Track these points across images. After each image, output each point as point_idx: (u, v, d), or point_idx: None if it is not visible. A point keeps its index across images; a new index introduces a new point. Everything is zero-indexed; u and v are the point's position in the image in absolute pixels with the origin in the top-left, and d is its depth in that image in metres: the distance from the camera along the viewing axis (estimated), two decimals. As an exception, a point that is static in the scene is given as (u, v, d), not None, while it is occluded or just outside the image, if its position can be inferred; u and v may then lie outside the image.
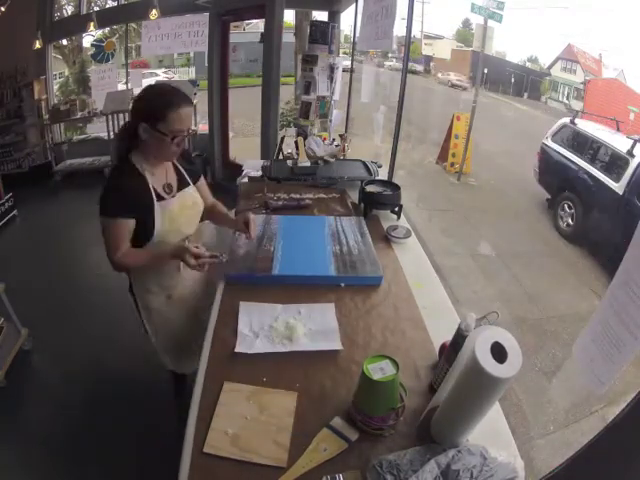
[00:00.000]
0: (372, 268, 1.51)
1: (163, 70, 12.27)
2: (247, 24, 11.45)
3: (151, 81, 6.90)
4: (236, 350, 1.14)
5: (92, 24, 5.42)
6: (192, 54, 10.07)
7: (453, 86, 12.89)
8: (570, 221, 4.95)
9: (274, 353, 1.14)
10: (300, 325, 1.22)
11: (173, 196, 1.46)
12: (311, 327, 1.24)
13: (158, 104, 1.31)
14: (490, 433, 0.94)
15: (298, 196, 2.14)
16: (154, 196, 1.39)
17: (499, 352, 0.75)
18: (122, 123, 5.67)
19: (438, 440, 0.90)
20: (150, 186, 1.39)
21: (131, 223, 1.37)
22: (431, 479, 0.77)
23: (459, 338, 0.97)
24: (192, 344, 1.62)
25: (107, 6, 6.74)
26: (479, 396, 0.79)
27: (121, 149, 1.39)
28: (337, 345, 1.17)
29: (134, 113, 1.36)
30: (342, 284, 1.45)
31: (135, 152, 1.38)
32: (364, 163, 2.54)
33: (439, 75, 13.82)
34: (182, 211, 1.49)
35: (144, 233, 1.40)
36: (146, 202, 1.38)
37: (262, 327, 1.23)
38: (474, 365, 0.75)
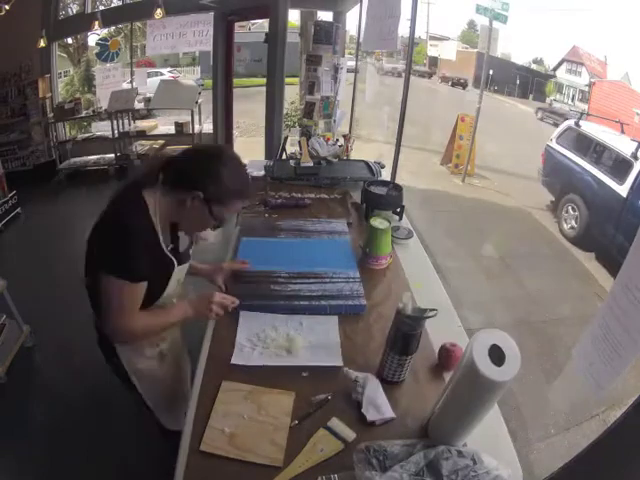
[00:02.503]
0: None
1: (168, 69, 12.30)
2: (252, 24, 11.49)
3: (156, 80, 6.91)
4: (232, 362, 1.12)
5: (97, 23, 5.43)
6: (197, 53, 10.12)
7: (454, 85, 12.92)
8: (574, 223, 4.93)
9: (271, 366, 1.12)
10: (300, 338, 1.20)
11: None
12: (311, 340, 1.20)
13: (232, 188, 1.14)
14: (489, 437, 0.93)
15: (299, 196, 2.14)
16: (172, 258, 1.21)
17: (498, 355, 0.75)
18: (124, 123, 5.75)
19: (435, 442, 0.90)
20: (162, 244, 1.17)
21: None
22: (414, 469, 0.77)
23: (400, 320, 0.98)
24: (185, 394, 1.45)
25: (112, 5, 6.76)
26: (476, 399, 0.78)
27: (146, 179, 1.15)
28: (338, 361, 1.13)
29: (198, 175, 1.11)
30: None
31: (154, 196, 1.13)
32: (367, 163, 2.54)
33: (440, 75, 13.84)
34: (181, 273, 1.33)
35: (148, 297, 1.18)
36: (166, 263, 1.20)
37: (261, 337, 1.21)
38: (471, 368, 0.74)
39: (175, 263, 1.22)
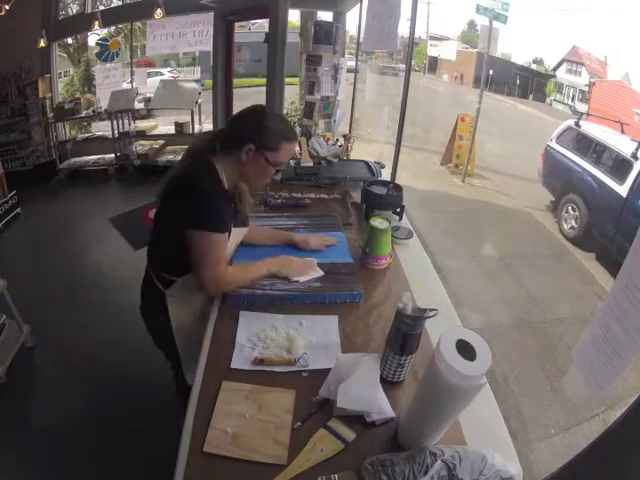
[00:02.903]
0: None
1: (168, 69, 12.29)
2: (252, 24, 11.49)
3: (156, 80, 6.91)
4: (232, 367, 1.11)
5: (97, 23, 5.42)
6: (197, 53, 10.11)
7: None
8: (574, 223, 4.94)
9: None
10: (300, 337, 1.19)
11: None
12: (312, 340, 1.20)
13: (278, 133, 1.28)
14: (489, 437, 0.93)
15: (299, 196, 2.14)
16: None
17: (468, 351, 0.75)
18: (124, 122, 5.75)
19: (406, 446, 0.90)
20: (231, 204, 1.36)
21: None
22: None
23: (400, 320, 0.97)
24: None
25: (112, 5, 6.76)
26: (446, 397, 0.78)
27: (205, 149, 1.31)
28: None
29: (245, 130, 1.27)
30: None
31: (218, 163, 1.28)
32: (367, 163, 2.53)
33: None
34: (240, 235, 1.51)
35: None
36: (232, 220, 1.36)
37: (261, 337, 1.20)
38: (440, 363, 0.75)
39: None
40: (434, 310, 0.93)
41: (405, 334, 0.97)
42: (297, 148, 2.81)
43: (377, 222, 1.54)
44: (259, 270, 1.38)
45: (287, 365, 1.11)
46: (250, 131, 1.26)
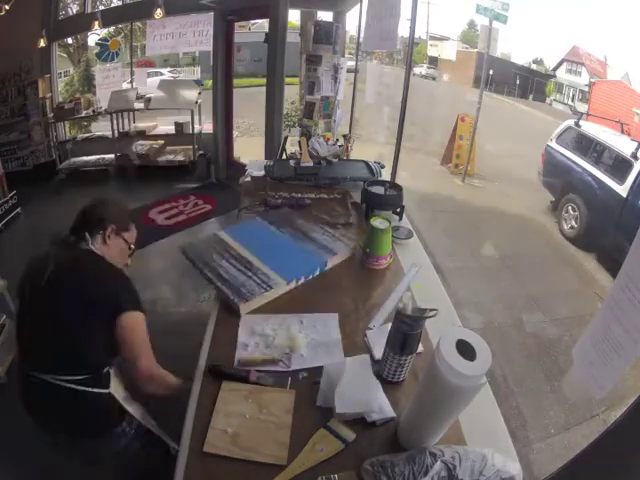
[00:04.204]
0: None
1: (168, 69, 12.27)
2: (252, 24, 11.46)
3: (156, 80, 6.91)
4: (235, 366, 1.11)
5: (97, 23, 5.43)
6: (197, 53, 10.09)
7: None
8: (574, 223, 4.93)
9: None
10: (302, 335, 1.19)
11: None
12: (314, 337, 1.20)
13: (125, 215, 1.46)
14: (489, 437, 0.93)
15: (299, 196, 2.14)
16: None
17: (468, 351, 0.75)
18: (124, 123, 5.75)
19: (406, 446, 0.90)
20: None
21: None
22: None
23: (400, 321, 0.97)
24: None
25: (112, 5, 6.76)
26: (446, 397, 0.78)
27: (81, 244, 1.36)
28: (339, 358, 1.13)
29: (104, 214, 1.39)
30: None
31: (95, 249, 1.34)
32: (367, 163, 2.53)
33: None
34: None
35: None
36: None
37: (262, 337, 1.20)
38: (440, 363, 0.75)
39: None
40: (434, 310, 0.93)
41: (405, 334, 0.97)
42: (297, 148, 2.81)
43: (377, 222, 1.54)
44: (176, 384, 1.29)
45: (271, 364, 1.10)
46: (107, 215, 1.39)
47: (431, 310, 0.94)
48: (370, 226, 1.54)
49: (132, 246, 1.46)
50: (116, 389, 1.29)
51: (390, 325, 1.09)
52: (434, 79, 13.97)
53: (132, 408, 1.33)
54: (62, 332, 1.20)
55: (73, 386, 1.20)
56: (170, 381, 1.28)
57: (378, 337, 1.19)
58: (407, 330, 0.96)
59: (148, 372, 1.22)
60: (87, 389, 1.21)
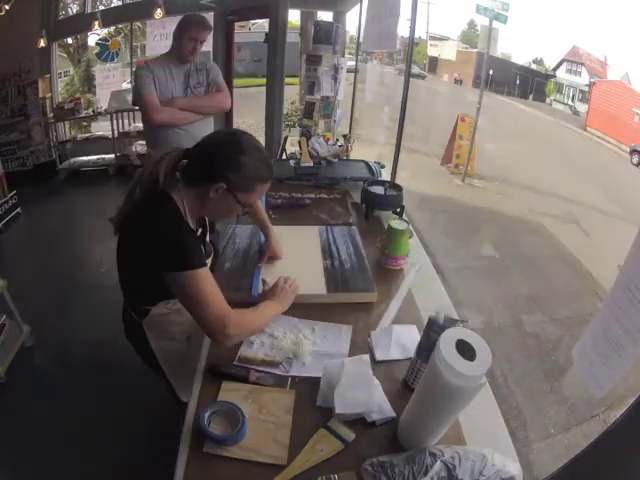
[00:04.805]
0: (364, 285, 1.41)
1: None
2: (252, 24, 11.48)
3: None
4: (234, 363, 1.12)
5: (97, 23, 5.43)
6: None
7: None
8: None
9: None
10: (308, 342, 1.17)
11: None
12: (321, 347, 1.17)
13: (254, 174, 1.12)
14: (489, 437, 0.93)
15: (299, 196, 2.14)
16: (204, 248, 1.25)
17: (468, 351, 0.76)
18: (124, 123, 5.75)
19: (406, 446, 0.90)
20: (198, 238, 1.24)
21: None
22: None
23: (431, 329, 0.97)
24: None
25: (112, 5, 6.75)
26: (446, 397, 0.78)
27: (164, 180, 1.09)
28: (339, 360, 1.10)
29: (218, 165, 1.09)
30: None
31: (178, 196, 1.12)
32: (367, 163, 2.53)
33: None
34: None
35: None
36: (204, 252, 1.24)
37: (269, 338, 1.20)
38: (440, 363, 0.75)
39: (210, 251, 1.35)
40: (465, 322, 0.94)
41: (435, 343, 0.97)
42: (297, 148, 2.81)
43: (396, 223, 1.54)
44: (272, 312, 1.24)
45: (270, 366, 1.10)
46: (223, 170, 1.09)
47: (462, 321, 0.94)
48: (389, 227, 1.53)
49: (246, 208, 1.21)
50: (150, 325, 1.34)
51: (394, 326, 1.10)
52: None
53: (156, 345, 1.38)
54: (119, 265, 1.24)
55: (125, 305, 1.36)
56: (256, 326, 1.19)
57: (381, 338, 1.19)
58: (437, 339, 0.96)
59: (217, 333, 1.09)
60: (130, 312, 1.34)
